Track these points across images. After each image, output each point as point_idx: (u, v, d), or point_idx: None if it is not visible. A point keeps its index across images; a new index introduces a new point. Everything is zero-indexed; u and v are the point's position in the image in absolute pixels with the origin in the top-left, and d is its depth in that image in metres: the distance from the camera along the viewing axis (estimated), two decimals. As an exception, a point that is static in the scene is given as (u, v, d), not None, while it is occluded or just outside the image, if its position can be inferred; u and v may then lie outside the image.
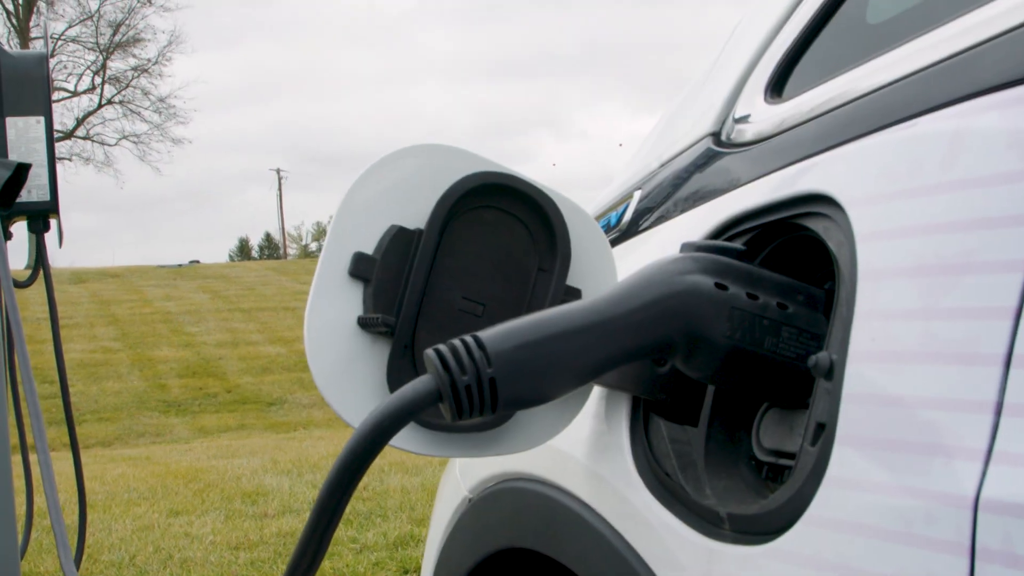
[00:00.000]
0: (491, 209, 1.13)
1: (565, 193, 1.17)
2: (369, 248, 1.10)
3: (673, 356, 0.95)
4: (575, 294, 1.14)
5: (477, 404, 0.88)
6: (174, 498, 8.65)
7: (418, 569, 5.83)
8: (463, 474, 1.58)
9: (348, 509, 7.44)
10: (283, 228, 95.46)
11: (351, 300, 1.09)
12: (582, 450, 1.20)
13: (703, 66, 1.52)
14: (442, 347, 0.88)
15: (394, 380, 1.08)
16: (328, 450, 11.69)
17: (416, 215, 1.11)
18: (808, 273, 0.99)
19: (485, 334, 0.89)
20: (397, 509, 7.45)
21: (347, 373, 1.08)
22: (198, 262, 54.26)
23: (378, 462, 9.93)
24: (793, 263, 1.00)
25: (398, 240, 1.09)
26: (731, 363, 0.93)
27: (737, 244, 0.99)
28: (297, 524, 7.13)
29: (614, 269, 1.18)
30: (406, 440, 1.07)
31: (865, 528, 0.75)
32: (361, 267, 1.09)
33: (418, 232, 1.10)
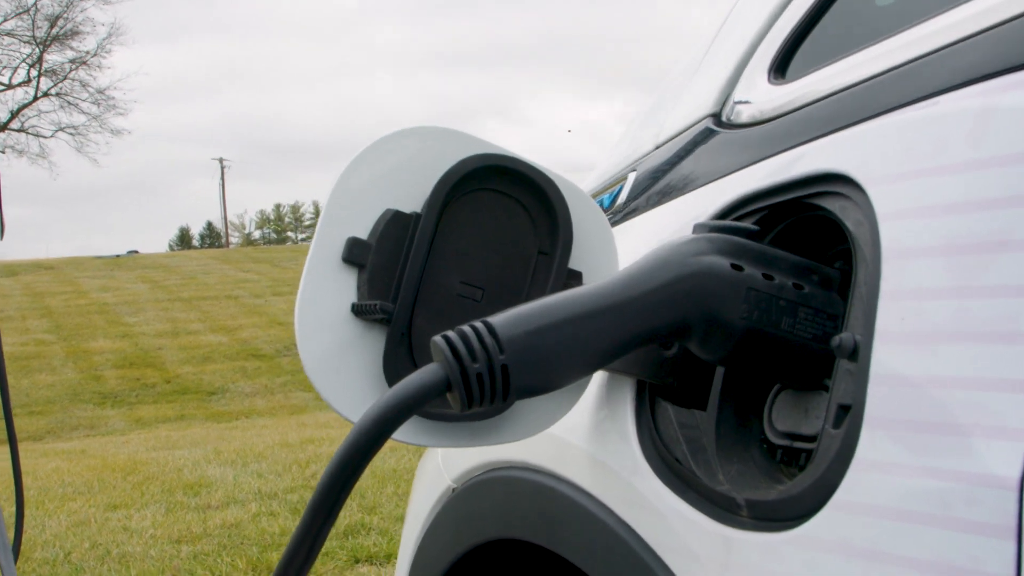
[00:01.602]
0: (490, 191, 1.10)
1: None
2: (363, 233, 1.07)
3: (688, 339, 0.93)
4: (576, 277, 1.12)
5: (488, 393, 0.85)
6: (111, 492, 8.51)
7: (370, 558, 5.80)
8: (446, 463, 1.55)
9: (296, 498, 7.37)
10: (225, 217, 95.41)
11: (344, 287, 1.06)
12: (583, 437, 1.18)
13: (695, 47, 1.51)
14: (451, 334, 0.86)
15: (391, 369, 1.05)
16: (274, 439, 11.62)
17: (411, 199, 1.08)
18: (815, 254, 0.98)
19: (496, 319, 0.86)
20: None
21: (339, 362, 1.05)
22: (137, 252, 54.21)
23: (325, 449, 9.85)
24: (800, 244, 0.99)
25: (394, 224, 1.06)
26: (747, 345, 0.91)
27: (747, 224, 0.98)
28: (242, 515, 7.04)
29: (615, 252, 1.16)
30: (400, 430, 1.02)
31: (899, 512, 0.74)
32: (355, 252, 1.06)
33: (415, 216, 1.07)
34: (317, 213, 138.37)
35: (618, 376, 1.14)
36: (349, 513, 6.75)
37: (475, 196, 1.09)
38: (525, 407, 1.09)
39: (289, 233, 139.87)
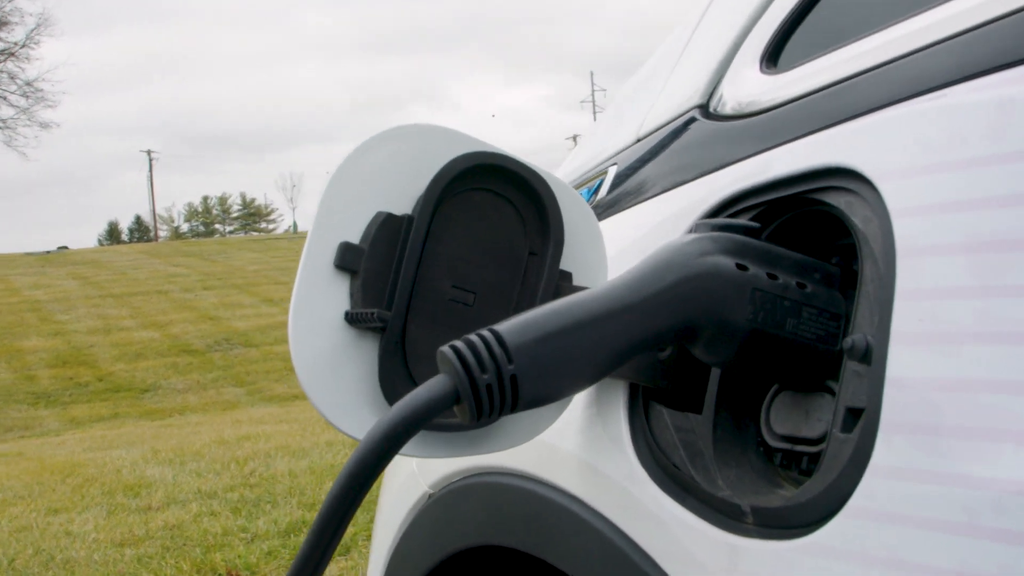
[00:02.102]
0: (480, 191, 1.07)
1: None
2: (354, 237, 1.03)
3: (693, 342, 0.90)
4: (566, 279, 1.09)
5: (498, 404, 0.82)
6: (51, 495, 8.46)
7: None
8: (421, 468, 1.50)
9: (236, 496, 7.41)
10: (154, 210, 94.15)
11: (338, 293, 1.02)
12: (573, 443, 1.14)
13: (676, 33, 1.46)
14: (459, 344, 0.82)
15: (386, 378, 1.02)
16: (210, 437, 11.56)
17: (401, 200, 1.05)
18: (809, 251, 0.95)
19: (502, 327, 0.83)
20: (286, 495, 7.41)
21: (333, 373, 1.01)
22: (67, 248, 53.63)
23: (261, 446, 9.86)
24: (795, 241, 0.96)
25: (386, 228, 1.03)
26: (751, 347, 0.89)
27: (751, 222, 0.95)
28: (184, 516, 7.02)
29: (604, 252, 1.14)
30: None
31: (921, 520, 0.71)
32: (348, 258, 1.02)
33: (407, 218, 1.03)
34: (245, 205, 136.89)
35: (608, 379, 1.11)
36: (289, 511, 6.77)
37: (466, 196, 1.06)
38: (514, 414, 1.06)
39: (217, 226, 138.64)
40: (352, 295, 1.02)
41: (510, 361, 0.81)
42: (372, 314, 0.99)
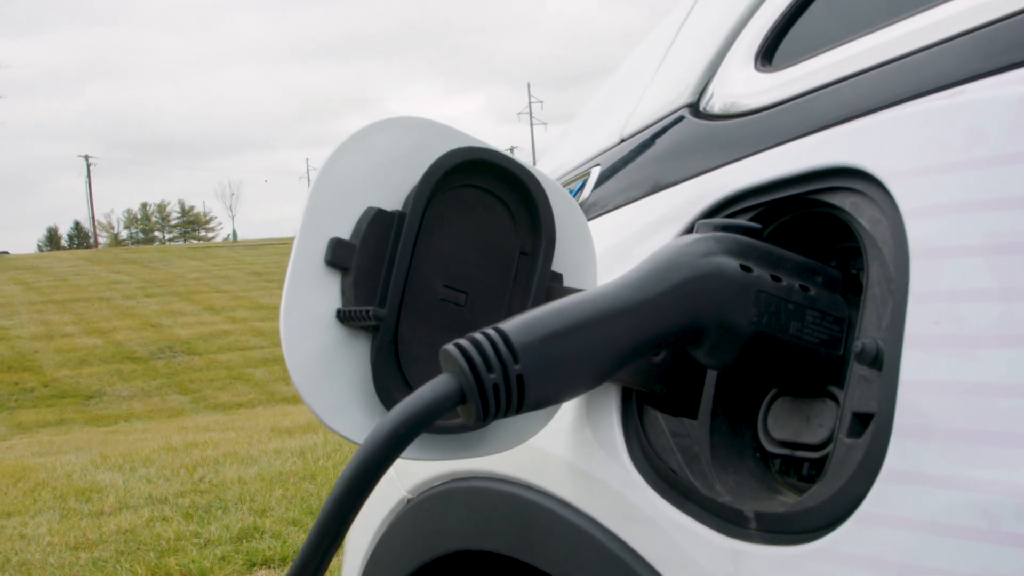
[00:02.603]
0: (470, 188, 1.04)
1: None
2: (344, 232, 1.00)
3: (697, 343, 0.88)
4: (557, 279, 1.07)
5: (504, 404, 0.80)
6: (3, 499, 8.44)
7: (266, 562, 5.83)
8: (399, 473, 1.46)
9: (187, 502, 7.43)
10: (93, 216, 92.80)
11: (328, 291, 0.99)
12: (564, 447, 1.12)
13: (660, 29, 1.43)
14: (463, 342, 0.80)
15: (380, 379, 0.99)
16: (158, 443, 11.48)
17: (390, 195, 1.02)
18: (805, 254, 0.93)
19: (507, 326, 0.81)
20: (237, 501, 7.42)
21: (326, 372, 0.98)
22: (7, 253, 53.20)
23: (210, 453, 9.86)
24: (793, 242, 0.94)
25: (377, 224, 1.00)
26: (753, 350, 0.87)
27: (752, 222, 0.92)
28: (136, 520, 7.02)
29: (594, 253, 1.12)
30: None
31: (938, 526, 0.70)
32: (339, 254, 0.99)
33: (398, 214, 1.00)
34: (184, 212, 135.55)
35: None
36: (240, 517, 6.78)
37: (456, 193, 1.03)
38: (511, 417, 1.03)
39: (156, 233, 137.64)
40: (343, 292, 0.99)
41: (516, 361, 0.79)
42: (367, 312, 0.96)
